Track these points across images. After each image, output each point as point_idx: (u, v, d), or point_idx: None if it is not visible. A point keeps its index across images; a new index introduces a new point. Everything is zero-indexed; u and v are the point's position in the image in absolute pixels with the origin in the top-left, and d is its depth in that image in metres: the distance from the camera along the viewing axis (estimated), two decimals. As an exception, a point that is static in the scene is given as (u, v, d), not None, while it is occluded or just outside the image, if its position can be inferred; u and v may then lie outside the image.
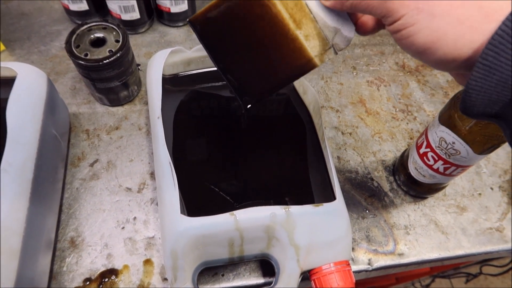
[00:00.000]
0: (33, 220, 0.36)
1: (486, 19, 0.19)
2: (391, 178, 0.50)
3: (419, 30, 0.21)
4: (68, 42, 0.46)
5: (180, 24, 0.63)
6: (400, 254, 0.45)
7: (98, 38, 0.47)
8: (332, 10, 0.26)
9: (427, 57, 0.22)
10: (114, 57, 0.45)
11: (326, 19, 0.26)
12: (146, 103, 0.54)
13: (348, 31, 0.27)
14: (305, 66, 0.28)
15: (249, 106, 0.31)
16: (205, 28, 0.29)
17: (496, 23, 0.19)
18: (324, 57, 0.28)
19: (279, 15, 0.26)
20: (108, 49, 0.46)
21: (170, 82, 0.47)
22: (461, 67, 0.21)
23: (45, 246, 0.39)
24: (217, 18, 0.28)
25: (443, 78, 0.61)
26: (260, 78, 0.30)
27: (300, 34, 0.27)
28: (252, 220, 0.34)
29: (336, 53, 0.28)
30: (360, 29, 0.28)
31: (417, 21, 0.21)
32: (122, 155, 0.49)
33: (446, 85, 0.60)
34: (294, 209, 0.34)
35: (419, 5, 0.20)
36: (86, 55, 0.45)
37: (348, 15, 0.27)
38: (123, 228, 0.44)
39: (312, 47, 0.27)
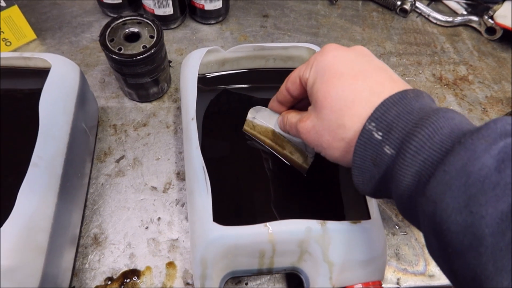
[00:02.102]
0: (60, 216, 0.35)
1: (348, 144, 0.28)
2: (424, 195, 0.48)
3: (324, 154, 0.31)
4: (102, 36, 0.45)
5: (213, 21, 0.62)
6: (431, 276, 0.43)
7: (132, 32, 0.46)
8: None
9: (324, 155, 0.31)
10: (148, 53, 0.44)
11: (294, 139, 0.38)
12: (175, 101, 0.53)
13: None
14: (303, 165, 0.39)
15: None
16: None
17: (350, 142, 0.28)
18: (308, 161, 0.38)
19: (271, 144, 0.40)
20: (142, 45, 0.45)
21: (202, 82, 0.46)
22: (349, 165, 0.29)
23: (70, 242, 0.39)
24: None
25: (482, 93, 0.58)
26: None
27: (287, 152, 0.39)
28: (286, 233, 0.32)
29: (312, 158, 0.38)
30: None
31: (320, 151, 0.31)
32: (149, 153, 0.48)
33: (485, 101, 0.58)
34: (331, 224, 0.33)
35: (314, 142, 0.31)
36: (120, 49, 0.45)
37: None
38: (147, 228, 0.43)
39: (297, 158, 0.39)
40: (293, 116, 0.34)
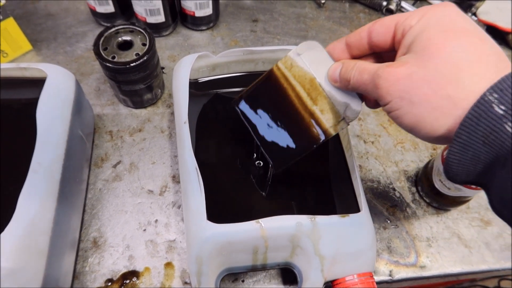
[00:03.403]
0: (60, 220, 0.36)
1: (455, 106, 0.23)
2: (413, 189, 0.50)
3: (403, 114, 0.26)
4: (96, 45, 0.46)
5: (204, 28, 0.64)
6: (422, 267, 0.44)
7: (125, 41, 0.48)
8: (341, 89, 0.32)
9: (415, 134, 0.26)
10: (141, 60, 0.46)
11: (337, 96, 0.32)
12: (169, 106, 0.55)
13: (356, 105, 0.32)
14: (323, 134, 0.33)
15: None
16: (243, 106, 0.37)
17: (463, 110, 0.23)
18: (338, 128, 0.33)
19: (299, 95, 0.33)
20: (135, 52, 0.47)
21: (195, 87, 0.47)
22: (443, 142, 0.26)
23: (70, 246, 0.40)
24: (252, 98, 0.36)
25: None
26: (287, 148, 0.35)
27: (316, 109, 0.33)
28: (277, 228, 0.34)
29: (347, 124, 0.33)
30: (367, 104, 0.33)
31: (401, 107, 0.25)
32: (145, 157, 0.50)
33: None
34: (320, 219, 0.34)
35: (401, 94, 0.25)
36: (113, 57, 0.46)
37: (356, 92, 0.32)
38: (144, 230, 0.44)
39: (327, 119, 0.33)
40: (366, 63, 0.29)
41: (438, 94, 0.24)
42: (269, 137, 0.36)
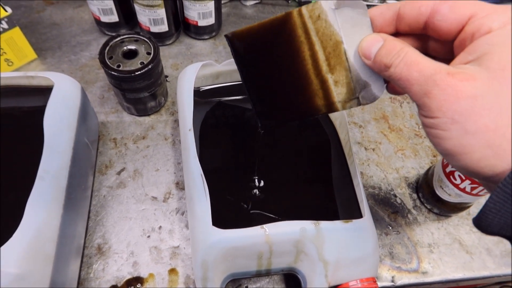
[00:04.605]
0: (66, 226, 0.37)
1: None
2: (414, 195, 0.50)
3: (448, 137, 0.21)
4: (101, 54, 0.47)
5: (206, 37, 0.65)
6: (424, 273, 0.44)
7: (130, 50, 0.49)
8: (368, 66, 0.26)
9: (450, 160, 0.22)
10: (146, 69, 0.47)
11: (360, 72, 0.26)
12: (172, 114, 0.55)
13: (377, 89, 0.27)
14: (327, 107, 0.28)
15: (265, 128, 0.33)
16: (240, 46, 0.30)
17: None
18: (347, 105, 0.28)
19: (315, 55, 0.27)
20: (139, 61, 0.47)
21: (198, 94, 0.48)
22: (480, 180, 0.22)
23: (75, 252, 0.40)
24: (252, 38, 0.29)
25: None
26: (283, 107, 0.30)
27: (330, 78, 0.27)
28: (282, 234, 0.34)
29: (359, 104, 0.27)
30: (390, 90, 0.28)
31: (449, 130, 0.21)
32: (148, 164, 0.50)
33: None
34: (324, 224, 0.35)
35: (454, 116, 0.20)
36: (118, 66, 0.47)
37: None
38: (148, 236, 0.45)
39: (338, 93, 0.27)
40: (418, 54, 0.23)
41: (500, 132, 0.20)
42: (261, 89, 0.31)
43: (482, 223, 0.21)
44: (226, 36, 0.30)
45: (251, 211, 0.40)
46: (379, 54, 0.24)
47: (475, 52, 0.21)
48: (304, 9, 0.26)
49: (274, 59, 0.29)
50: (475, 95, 0.20)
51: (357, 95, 0.27)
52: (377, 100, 0.27)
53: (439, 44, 0.25)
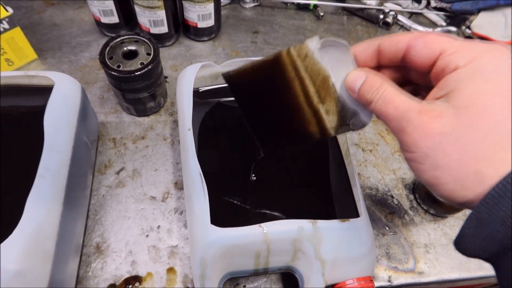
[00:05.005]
0: (65, 224, 0.37)
1: (480, 183, 0.21)
2: (411, 196, 0.51)
3: (424, 170, 0.23)
4: (102, 54, 0.48)
5: (205, 38, 0.65)
6: (421, 273, 0.45)
7: (130, 50, 0.49)
8: None
9: (429, 189, 0.24)
10: (146, 69, 0.47)
11: (348, 102, 0.29)
12: (171, 114, 0.56)
13: (365, 117, 0.29)
14: (321, 133, 0.30)
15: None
16: (237, 83, 0.33)
17: (488, 187, 0.21)
18: (339, 131, 0.30)
19: (306, 89, 0.29)
20: (139, 62, 0.48)
21: (197, 95, 0.49)
22: (459, 206, 0.24)
23: (74, 250, 0.40)
24: (248, 76, 0.32)
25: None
26: (281, 134, 0.33)
27: (322, 108, 0.29)
28: (280, 232, 0.34)
29: (350, 130, 0.30)
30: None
31: (424, 163, 0.23)
32: (147, 164, 0.51)
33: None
34: (321, 223, 0.35)
35: (427, 152, 0.22)
36: (118, 66, 0.47)
37: None
38: (147, 236, 0.45)
39: (330, 120, 0.29)
40: (395, 91, 0.25)
41: (466, 168, 0.21)
42: (259, 119, 0.34)
43: (461, 246, 0.23)
44: (223, 75, 0.33)
45: (248, 209, 0.40)
46: (361, 89, 0.26)
47: (444, 87, 0.23)
48: (292, 49, 0.29)
49: (269, 94, 0.32)
50: (443, 132, 0.22)
51: (348, 122, 0.29)
52: (366, 126, 0.29)
53: (419, 74, 0.27)
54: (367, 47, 0.28)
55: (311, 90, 0.29)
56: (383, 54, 0.27)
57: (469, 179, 0.21)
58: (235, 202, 0.40)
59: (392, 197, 0.50)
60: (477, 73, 0.22)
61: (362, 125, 0.29)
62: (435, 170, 0.22)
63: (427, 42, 0.24)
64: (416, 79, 0.28)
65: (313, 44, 0.28)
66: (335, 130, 0.30)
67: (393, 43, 0.26)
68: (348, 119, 0.29)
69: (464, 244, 0.23)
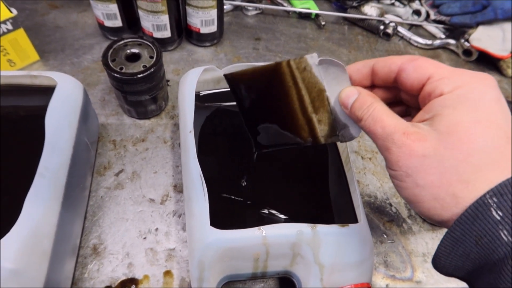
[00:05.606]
0: (63, 224, 0.37)
1: (456, 204, 0.22)
2: (410, 205, 0.51)
3: (405, 187, 0.25)
4: (105, 56, 0.48)
5: (208, 44, 0.66)
6: (418, 282, 0.45)
7: (133, 53, 0.49)
8: None
9: (409, 206, 0.26)
10: (148, 72, 0.47)
11: (340, 116, 0.31)
12: (172, 118, 0.56)
13: (354, 131, 0.31)
14: (312, 140, 0.33)
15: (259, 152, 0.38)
16: (237, 85, 0.35)
17: (463, 208, 0.22)
18: (329, 140, 0.32)
19: (302, 98, 0.32)
20: (142, 64, 0.48)
21: (199, 99, 0.49)
22: (437, 225, 0.25)
23: (71, 251, 0.40)
24: (249, 82, 0.34)
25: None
26: (273, 136, 0.35)
27: (314, 117, 0.32)
28: (279, 236, 0.34)
29: (339, 141, 0.32)
30: None
31: (405, 181, 0.24)
32: (147, 167, 0.50)
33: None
34: (321, 228, 0.35)
35: (408, 171, 0.24)
36: (121, 68, 0.47)
37: None
38: (144, 238, 0.45)
39: (321, 129, 0.32)
40: (384, 112, 0.26)
41: (444, 189, 0.23)
42: (256, 120, 0.36)
43: (438, 265, 0.24)
44: (225, 76, 0.35)
45: (246, 210, 0.40)
46: (353, 106, 0.28)
47: (430, 111, 0.25)
48: (292, 61, 0.31)
49: (267, 97, 0.34)
50: (425, 155, 0.23)
51: (338, 133, 0.31)
52: (354, 139, 0.31)
53: (409, 96, 0.29)
54: (362, 67, 0.30)
55: (307, 99, 0.31)
56: (376, 75, 0.29)
57: (446, 200, 0.23)
58: (234, 204, 0.40)
59: (391, 205, 0.51)
60: (461, 101, 0.24)
61: (351, 138, 0.31)
62: (415, 188, 0.24)
63: (417, 66, 0.26)
64: (407, 100, 0.30)
65: (312, 59, 0.30)
66: (325, 139, 0.32)
67: (386, 64, 0.28)
68: (338, 131, 0.31)
69: (441, 263, 0.24)
